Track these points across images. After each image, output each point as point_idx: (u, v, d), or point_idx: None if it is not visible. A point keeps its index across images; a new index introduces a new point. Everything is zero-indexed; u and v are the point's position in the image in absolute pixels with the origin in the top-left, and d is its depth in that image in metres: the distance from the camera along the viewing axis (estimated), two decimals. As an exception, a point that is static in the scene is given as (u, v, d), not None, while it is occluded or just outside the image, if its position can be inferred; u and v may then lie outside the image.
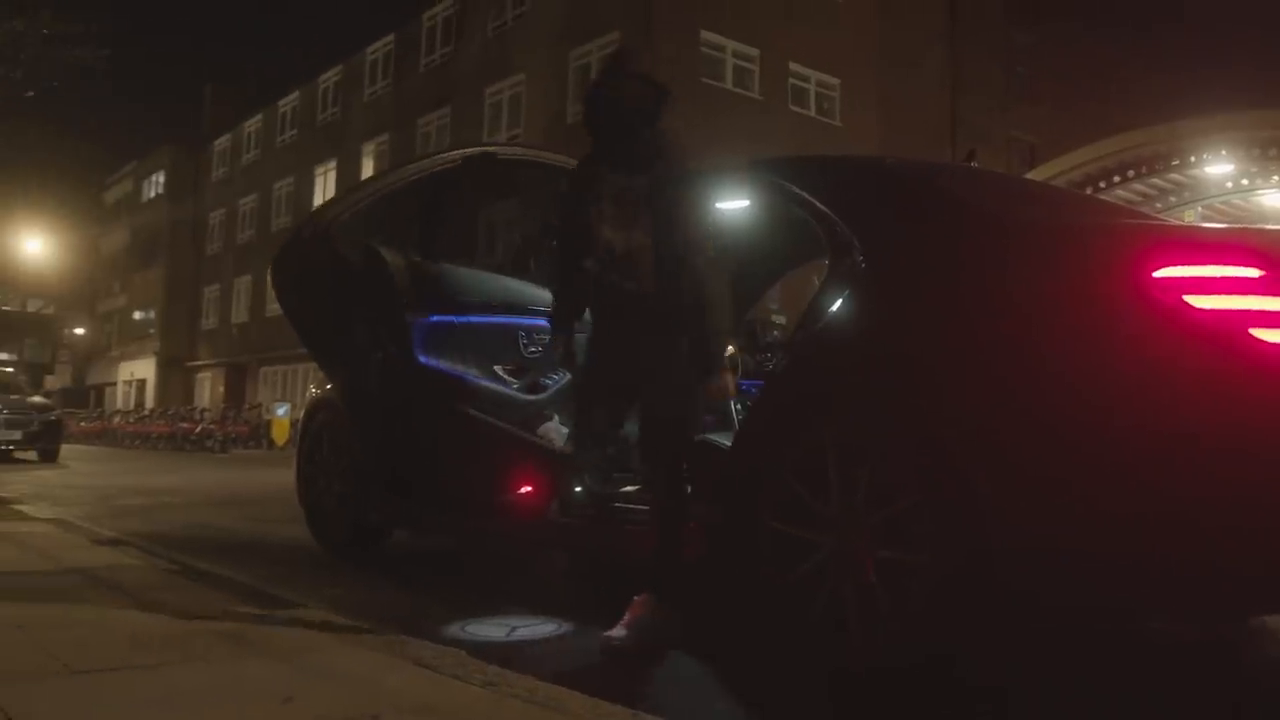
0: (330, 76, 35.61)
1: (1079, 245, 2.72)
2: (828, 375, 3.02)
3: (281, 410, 25.91)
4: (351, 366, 3.57)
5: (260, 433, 25.90)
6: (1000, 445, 2.56)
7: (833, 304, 3.03)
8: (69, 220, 45.21)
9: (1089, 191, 16.51)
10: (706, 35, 24.42)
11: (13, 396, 16.84)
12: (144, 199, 48.66)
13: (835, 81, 27.11)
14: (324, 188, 35.18)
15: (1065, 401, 2.49)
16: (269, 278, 3.89)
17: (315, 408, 5.78)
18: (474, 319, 3.57)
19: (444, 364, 3.42)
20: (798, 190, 3.38)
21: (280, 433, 24.93)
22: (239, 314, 40.80)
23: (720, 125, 23.37)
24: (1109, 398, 2.42)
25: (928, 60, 28.56)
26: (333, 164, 34.63)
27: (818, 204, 3.26)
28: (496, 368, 3.64)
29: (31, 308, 56.06)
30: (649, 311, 3.28)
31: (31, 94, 20.14)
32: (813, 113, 26.66)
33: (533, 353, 3.74)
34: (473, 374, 3.54)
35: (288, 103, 38.33)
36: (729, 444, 3.36)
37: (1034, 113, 29.14)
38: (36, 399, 17.84)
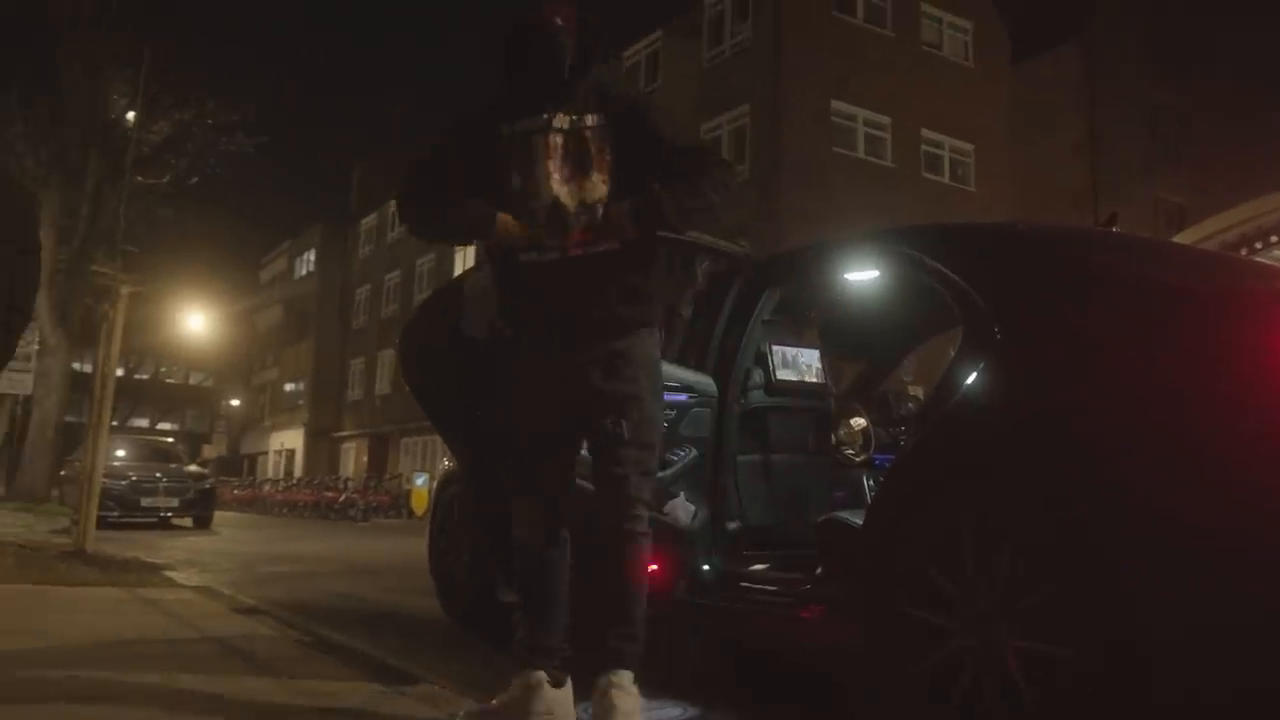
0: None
1: (1237, 312, 2.56)
2: (962, 452, 2.90)
3: (420, 480, 26.47)
4: (475, 443, 3.59)
5: (400, 502, 26.50)
6: (1153, 528, 2.39)
7: (967, 377, 2.92)
8: (228, 297, 47.62)
9: (1244, 254, 15.76)
10: (837, 105, 24.44)
11: (172, 465, 17.63)
12: (296, 276, 50.98)
13: (969, 147, 26.74)
14: (463, 262, 36.21)
15: (1224, 480, 2.33)
16: (398, 353, 3.98)
17: (447, 480, 5.85)
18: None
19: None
20: (929, 259, 3.29)
21: (419, 503, 25.45)
22: (382, 386, 42.11)
23: (853, 194, 23.28)
24: (1275, 475, 2.24)
25: (1064, 122, 27.94)
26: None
27: (949, 273, 3.16)
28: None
29: (193, 380, 59.00)
30: (612, 284, 2.74)
31: (196, 180, 21.39)
32: (946, 179, 26.32)
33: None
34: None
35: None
36: (858, 521, 3.24)
37: (1180, 172, 28.12)
38: (193, 468, 18.64)
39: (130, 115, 19.75)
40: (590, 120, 2.76)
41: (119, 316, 8.22)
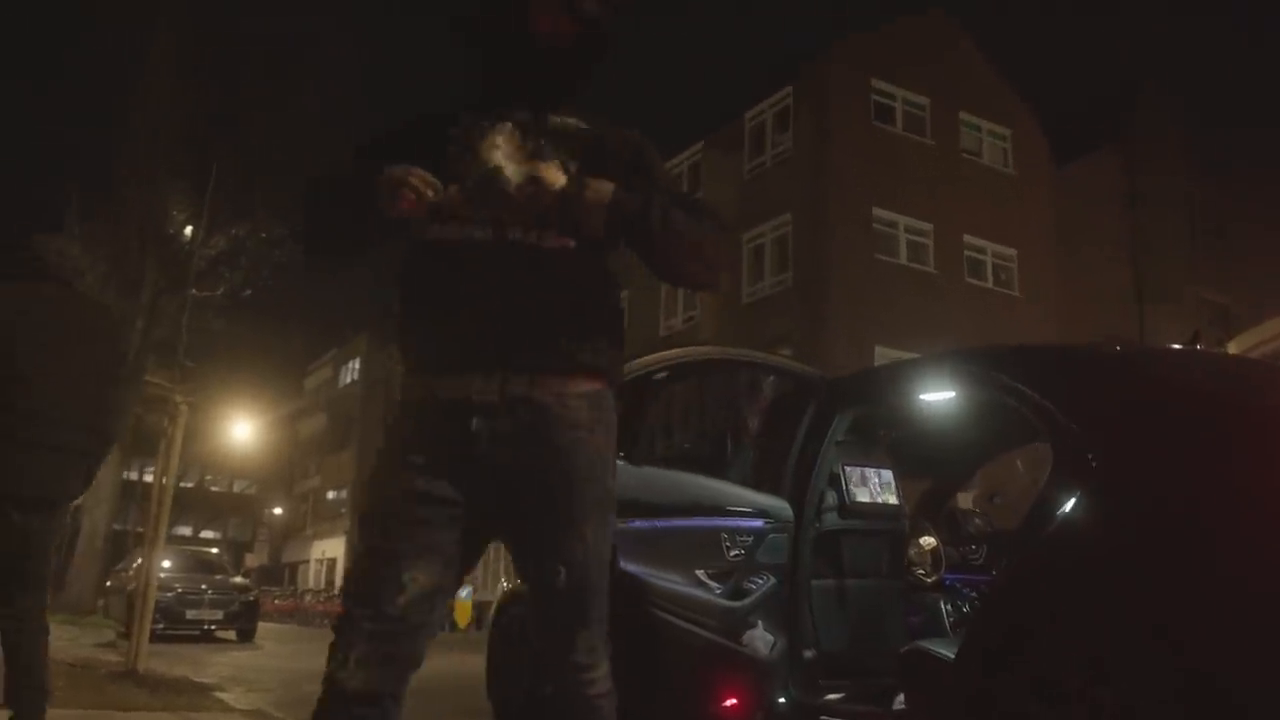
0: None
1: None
2: (1064, 583, 2.79)
3: (464, 593, 26.23)
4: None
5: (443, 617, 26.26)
6: (1273, 662, 2.27)
7: (1062, 504, 2.83)
8: (273, 404, 48.18)
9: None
10: (879, 212, 24.61)
11: (216, 577, 17.59)
12: (341, 384, 51.54)
13: (1012, 252, 26.75)
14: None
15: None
16: None
17: (510, 601, 5.75)
18: (676, 522, 3.50)
19: (646, 570, 3.34)
20: (1012, 382, 3.22)
21: (462, 615, 25.16)
22: (424, 494, 42.03)
23: (897, 301, 23.30)
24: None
25: (1106, 223, 27.96)
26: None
27: (1037, 396, 3.09)
28: (699, 572, 3.54)
29: (236, 488, 59.34)
30: (563, 302, 1.97)
31: (249, 292, 21.80)
32: (990, 284, 26.28)
33: (735, 556, 3.63)
34: (675, 579, 3.45)
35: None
36: (946, 653, 3.11)
37: (1223, 271, 27.93)
38: (237, 579, 18.59)
39: (189, 230, 20.28)
40: (566, 130, 2.11)
41: (178, 432, 8.28)
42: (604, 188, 1.93)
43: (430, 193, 1.90)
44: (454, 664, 10.83)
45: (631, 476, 3.48)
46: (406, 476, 1.92)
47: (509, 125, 2.03)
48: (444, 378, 1.95)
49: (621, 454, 3.63)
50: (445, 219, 1.96)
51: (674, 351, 3.87)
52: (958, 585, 4.52)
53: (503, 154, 2.00)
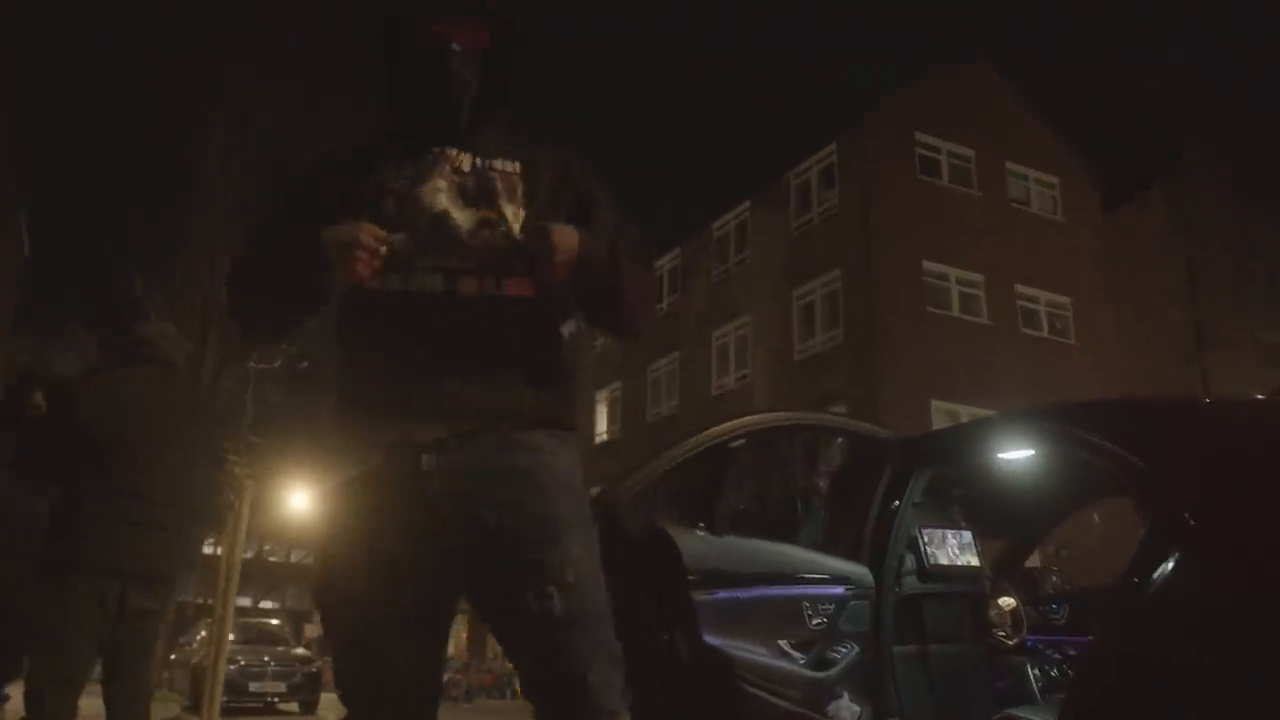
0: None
1: None
2: (1163, 652, 2.71)
3: (524, 657, 26.06)
4: (638, 650, 3.49)
5: (504, 682, 26.05)
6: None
7: (1158, 568, 2.75)
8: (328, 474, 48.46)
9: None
10: (928, 265, 24.50)
11: (279, 648, 17.65)
12: (395, 452, 51.83)
13: (1065, 300, 26.46)
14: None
15: None
16: None
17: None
18: (758, 592, 3.46)
19: (729, 642, 3.30)
20: (1097, 439, 3.16)
21: (522, 681, 24.95)
22: (481, 560, 42.07)
23: (950, 354, 23.11)
24: None
25: (1160, 266, 27.61)
26: (569, 412, 36.10)
27: (1126, 454, 3.02)
28: (782, 642, 3.49)
29: (294, 558, 59.63)
30: (523, 351, 1.91)
31: (305, 364, 22.11)
32: (1045, 333, 25.98)
33: (817, 625, 3.57)
34: (759, 651, 3.40)
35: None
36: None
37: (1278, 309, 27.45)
38: (299, 651, 18.63)
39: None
40: (502, 164, 2.01)
41: (244, 506, 8.37)
42: (568, 233, 1.84)
43: (384, 249, 1.82)
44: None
45: (712, 547, 3.45)
46: (365, 548, 1.81)
47: (446, 165, 1.97)
48: (390, 430, 1.83)
49: (701, 525, 3.62)
50: (392, 267, 1.86)
51: (749, 418, 3.86)
52: (1040, 647, 4.41)
53: (446, 197, 1.93)
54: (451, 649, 40.73)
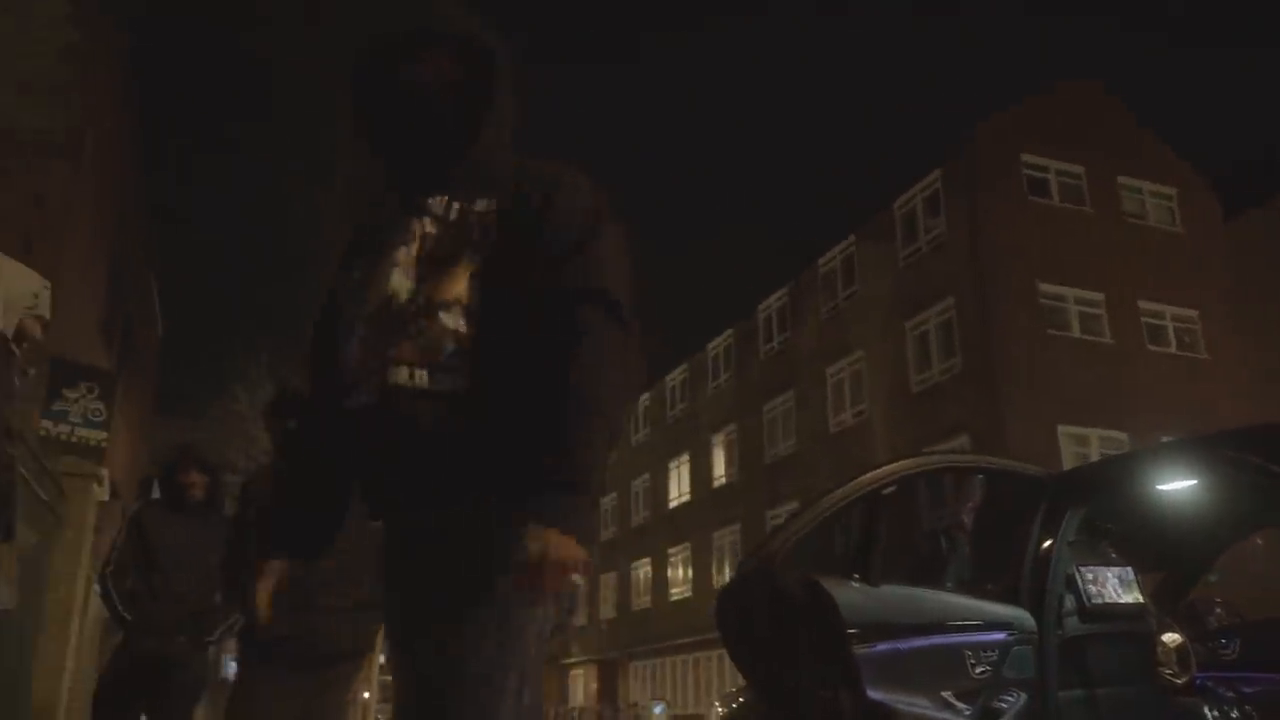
0: (676, 375, 37.71)
1: None
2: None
3: (659, 710, 25.96)
4: (798, 707, 3.47)
5: (637, 730, 26.02)
6: None
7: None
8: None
9: None
10: (1044, 287, 23.93)
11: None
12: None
13: (1192, 313, 25.52)
14: (678, 481, 36.54)
15: None
16: (715, 618, 3.96)
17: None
18: (917, 642, 3.42)
19: (892, 696, 3.26)
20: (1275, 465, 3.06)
21: (657, 731, 24.88)
22: (606, 610, 42.09)
23: (1075, 376, 22.50)
24: None
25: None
26: (685, 457, 36.06)
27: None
28: (945, 694, 3.43)
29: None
30: (453, 444, 1.72)
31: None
32: (1174, 349, 25.06)
33: (981, 673, 3.51)
34: (922, 704, 3.35)
35: (639, 403, 40.78)
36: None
37: None
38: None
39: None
40: (482, 205, 1.86)
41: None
42: (564, 545, 1.61)
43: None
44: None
45: (869, 598, 3.43)
46: None
47: (415, 225, 1.86)
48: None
49: (857, 575, 3.60)
50: (347, 385, 1.81)
51: (899, 464, 3.84)
52: (1211, 685, 4.25)
53: (400, 272, 1.82)
54: (583, 697, 40.79)
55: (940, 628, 3.50)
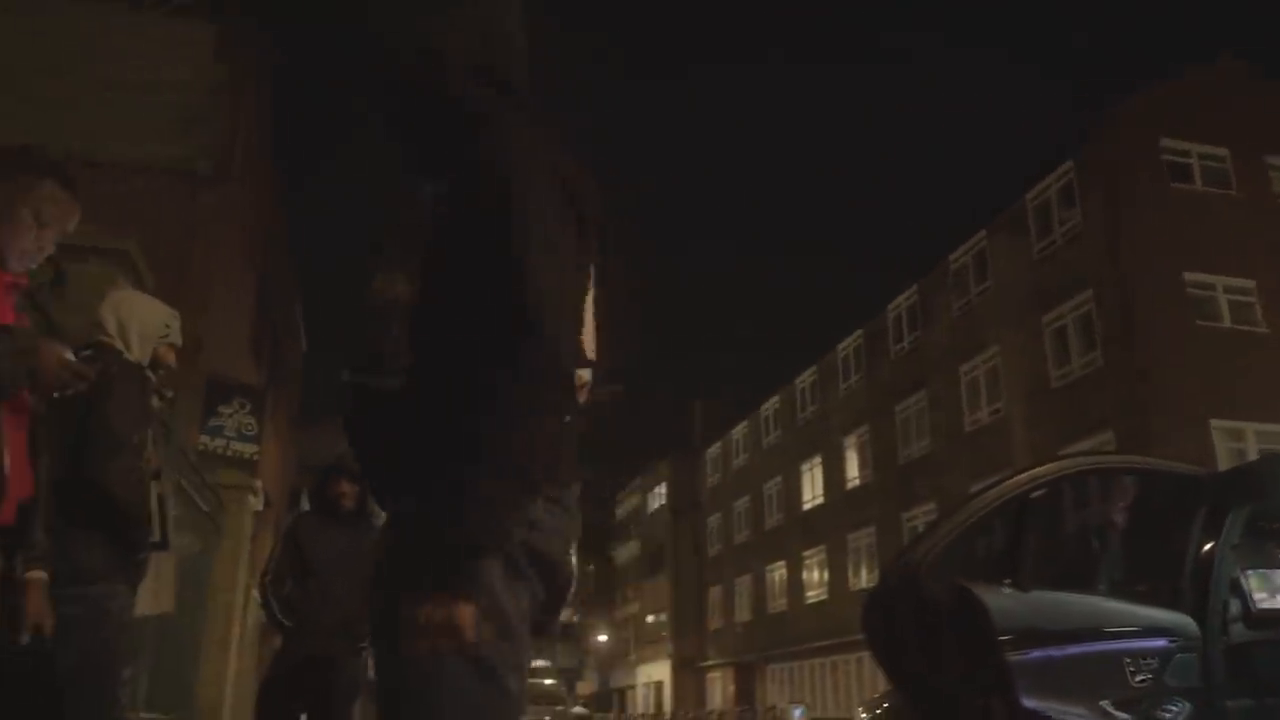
0: (806, 377, 37.41)
1: None
2: None
3: (798, 713, 25.78)
4: (948, 713, 3.43)
5: (777, 735, 25.86)
6: None
7: None
8: (587, 536, 49.93)
9: None
10: (1191, 276, 22.90)
11: (557, 707, 18.25)
12: (649, 510, 52.81)
13: (1360, 296, 24.10)
14: (811, 483, 36.23)
15: None
16: (861, 623, 3.94)
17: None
18: (1073, 649, 3.33)
19: (1047, 705, 3.19)
20: None
21: (795, 736, 24.71)
22: (742, 613, 42.01)
23: (1226, 368, 21.51)
24: None
25: None
26: (817, 459, 35.75)
27: None
28: (1103, 703, 3.34)
29: (562, 618, 61.50)
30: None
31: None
32: (1336, 335, 23.70)
33: (1141, 682, 3.40)
34: (1079, 713, 3.27)
35: (769, 406, 40.59)
36: None
37: None
38: (578, 709, 19.20)
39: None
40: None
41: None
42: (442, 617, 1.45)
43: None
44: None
45: (1020, 603, 3.37)
46: None
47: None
48: None
49: (1008, 580, 3.54)
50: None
51: (1048, 466, 3.76)
52: None
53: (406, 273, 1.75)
54: (721, 700, 40.76)
55: (1096, 634, 3.41)
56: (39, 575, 2.41)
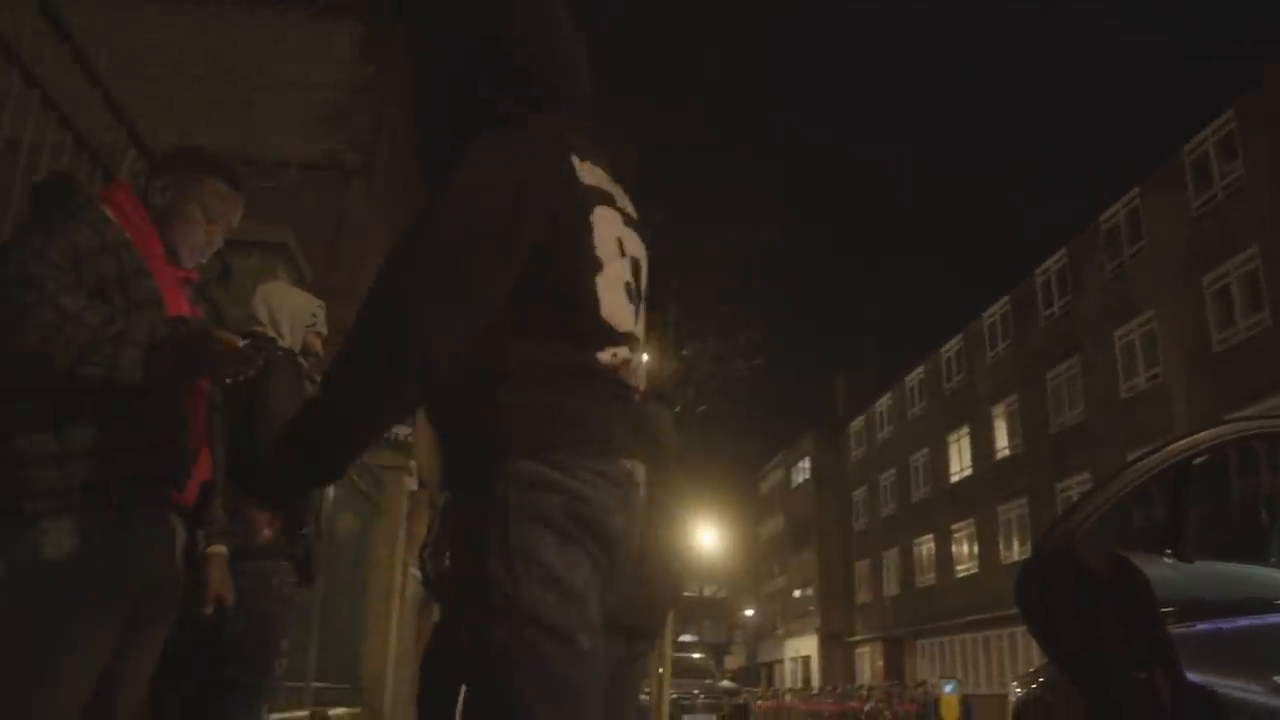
0: (951, 346, 36.58)
1: None
2: None
3: (949, 688, 25.32)
4: (1109, 688, 3.33)
5: (928, 711, 25.45)
6: None
7: None
8: (731, 511, 50.13)
9: None
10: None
11: (706, 681, 18.38)
12: (793, 485, 52.61)
13: None
14: (959, 454, 35.46)
15: None
16: (1015, 596, 3.87)
17: (1024, 707, 5.52)
18: (1243, 621, 3.20)
19: (1215, 680, 3.08)
20: None
21: (950, 712, 24.28)
22: (890, 587, 41.52)
23: None
24: None
25: None
26: (964, 430, 34.96)
27: None
28: (1277, 678, 3.20)
29: (707, 592, 61.85)
30: None
31: (704, 408, 23.07)
32: None
33: (1318, 656, 3.24)
34: (1252, 689, 3.14)
35: (913, 377, 39.87)
36: None
37: None
38: (726, 683, 19.31)
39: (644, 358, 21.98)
40: None
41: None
42: None
43: None
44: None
45: (1183, 574, 3.26)
46: None
47: None
48: None
49: (1169, 550, 3.42)
50: None
51: (1211, 431, 3.61)
52: None
53: None
54: (869, 675, 40.40)
55: (1268, 606, 3.27)
56: (220, 550, 2.57)
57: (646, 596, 3.80)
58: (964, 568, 34.48)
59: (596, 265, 1.67)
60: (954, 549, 35.20)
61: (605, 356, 1.66)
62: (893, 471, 41.54)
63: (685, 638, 54.38)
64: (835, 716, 28.61)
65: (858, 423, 46.21)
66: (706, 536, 44.07)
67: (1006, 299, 32.67)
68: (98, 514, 2.09)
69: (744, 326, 22.15)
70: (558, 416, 1.60)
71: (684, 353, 21.91)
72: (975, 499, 33.26)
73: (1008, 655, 29.75)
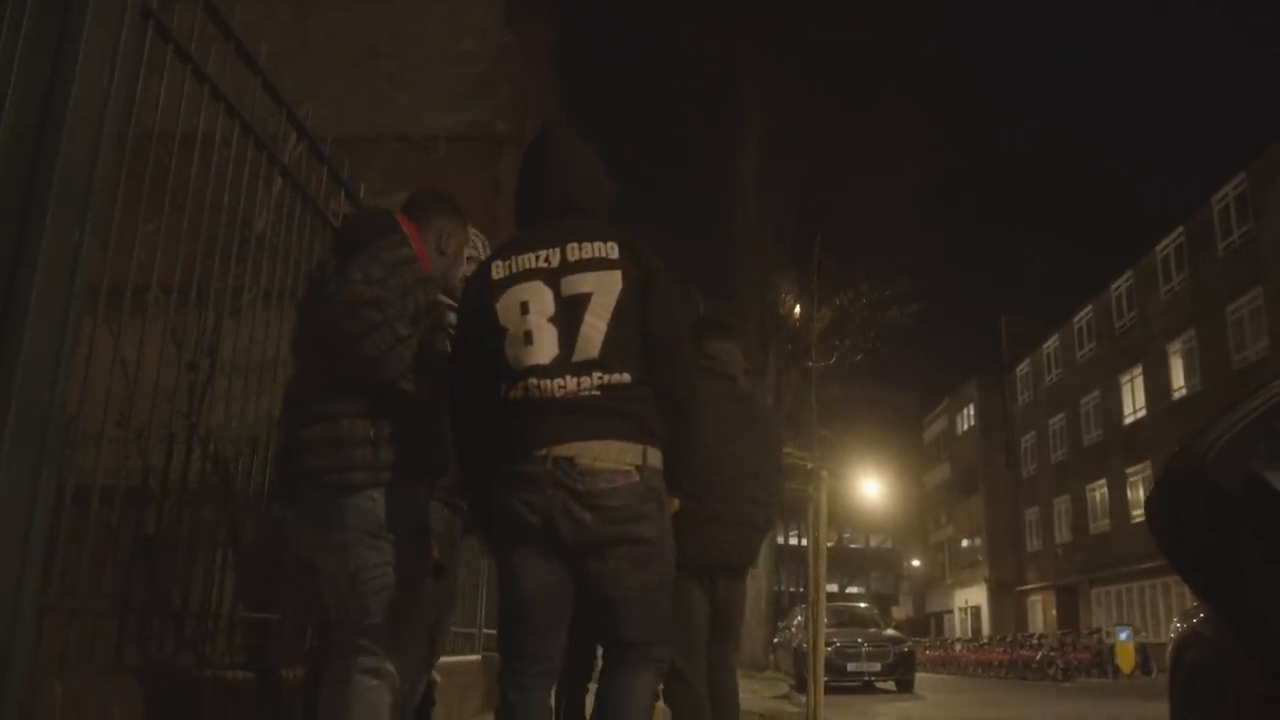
0: (1121, 284, 35.00)
1: None
2: None
3: (1124, 635, 24.59)
4: (1258, 623, 3.25)
5: (1103, 659, 24.78)
6: None
7: None
8: (895, 461, 49.50)
9: None
10: None
11: (870, 630, 18.34)
12: (958, 432, 51.50)
13: None
14: (1131, 396, 34.06)
15: None
16: (1147, 522, 3.83)
17: (1183, 645, 5.38)
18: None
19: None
20: None
21: (1125, 660, 23.59)
22: (1062, 534, 40.34)
23: None
24: None
25: None
26: (1138, 370, 33.49)
27: None
28: None
29: (873, 544, 61.37)
30: None
31: (860, 357, 22.87)
32: None
33: None
34: None
35: (1082, 318, 38.36)
36: None
37: None
38: (890, 632, 19.20)
39: (797, 310, 21.95)
40: None
41: (823, 497, 8.91)
42: None
43: None
44: (1134, 710, 10.30)
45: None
46: None
47: None
48: None
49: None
50: None
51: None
52: None
53: None
54: (1042, 624, 39.43)
55: None
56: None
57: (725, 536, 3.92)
58: (1140, 514, 33.21)
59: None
60: (1129, 494, 33.86)
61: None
62: (1062, 416, 40.18)
63: (852, 589, 54.20)
64: (1005, 665, 28.12)
65: (1023, 366, 44.78)
66: (870, 487, 43.71)
67: (1180, 230, 31.00)
68: (399, 488, 2.69)
69: (898, 273, 21.80)
70: None
71: (836, 301, 21.77)
72: (1151, 441, 31.84)
73: (1189, 602, 28.59)
